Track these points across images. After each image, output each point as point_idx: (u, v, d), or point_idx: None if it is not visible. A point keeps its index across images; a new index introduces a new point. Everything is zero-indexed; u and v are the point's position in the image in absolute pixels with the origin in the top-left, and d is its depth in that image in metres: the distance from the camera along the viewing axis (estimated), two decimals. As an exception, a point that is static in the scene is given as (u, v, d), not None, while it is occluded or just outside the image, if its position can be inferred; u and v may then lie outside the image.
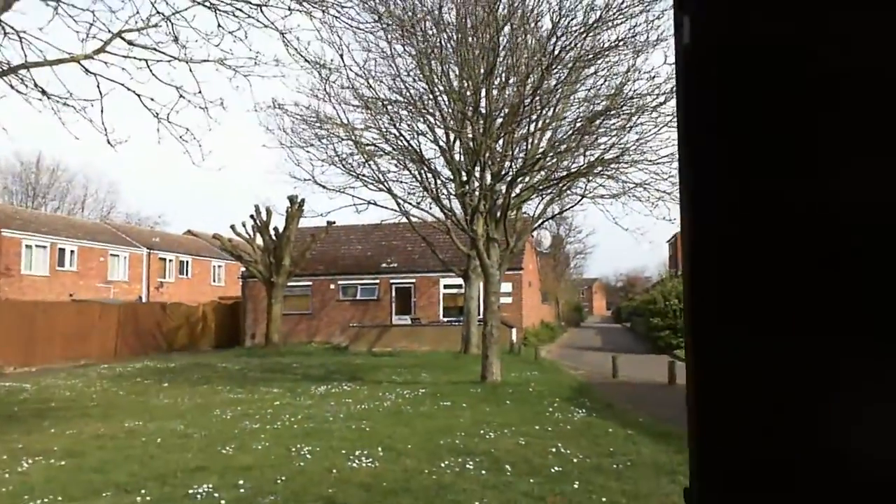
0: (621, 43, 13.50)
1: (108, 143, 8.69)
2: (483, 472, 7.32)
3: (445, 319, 29.26)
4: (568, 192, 16.66)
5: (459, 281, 25.37)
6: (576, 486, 6.72)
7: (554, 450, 8.42)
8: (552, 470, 7.38)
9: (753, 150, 0.58)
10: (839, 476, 0.57)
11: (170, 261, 42.10)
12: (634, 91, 13.72)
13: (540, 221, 18.64)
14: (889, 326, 0.55)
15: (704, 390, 0.61)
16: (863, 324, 0.55)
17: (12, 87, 8.22)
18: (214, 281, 45.91)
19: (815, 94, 0.57)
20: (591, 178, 15.58)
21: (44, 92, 8.34)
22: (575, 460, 7.88)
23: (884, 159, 0.54)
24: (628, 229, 19.85)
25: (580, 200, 16.96)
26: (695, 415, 0.61)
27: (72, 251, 35.13)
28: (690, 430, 0.63)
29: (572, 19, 13.58)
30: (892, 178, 0.54)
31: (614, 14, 13.16)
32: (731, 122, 0.59)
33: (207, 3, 8.10)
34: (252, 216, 28.49)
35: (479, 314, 22.16)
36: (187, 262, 43.65)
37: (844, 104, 0.56)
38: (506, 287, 27.02)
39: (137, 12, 8.57)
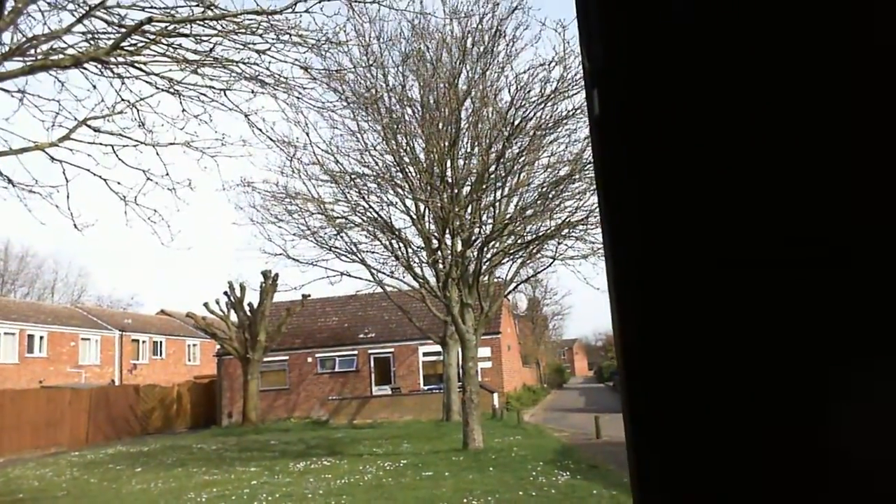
0: (578, 111, 14.13)
1: (75, 227, 8.73)
2: (465, 541, 7.22)
3: (426, 387, 28.94)
4: (538, 254, 16.97)
5: (438, 348, 25.27)
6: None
7: (536, 514, 8.34)
8: (534, 535, 7.31)
9: (664, 216, 0.68)
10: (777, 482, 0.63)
11: (143, 342, 41.32)
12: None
13: (513, 285, 18.84)
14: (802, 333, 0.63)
15: (636, 402, 0.68)
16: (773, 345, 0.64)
17: (-24, 176, 8.29)
18: (189, 360, 45.02)
19: (725, 160, 0.67)
20: (559, 240, 15.92)
21: (9, 180, 8.43)
22: (557, 524, 7.81)
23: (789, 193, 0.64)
24: (600, 289, 20.09)
25: (552, 263, 17.26)
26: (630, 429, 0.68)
27: (41, 337, 34.38)
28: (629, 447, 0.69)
29: (530, 91, 14.22)
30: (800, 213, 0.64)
31: (569, 85, 13.83)
32: (641, 189, 0.69)
33: (172, 90, 8.36)
34: (226, 293, 28.29)
35: (459, 380, 22.04)
36: (161, 342, 42.88)
37: (760, 166, 0.66)
38: (485, 352, 26.99)
39: (102, 100, 8.85)
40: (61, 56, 7.44)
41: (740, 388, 0.65)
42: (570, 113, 14.27)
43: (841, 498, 0.62)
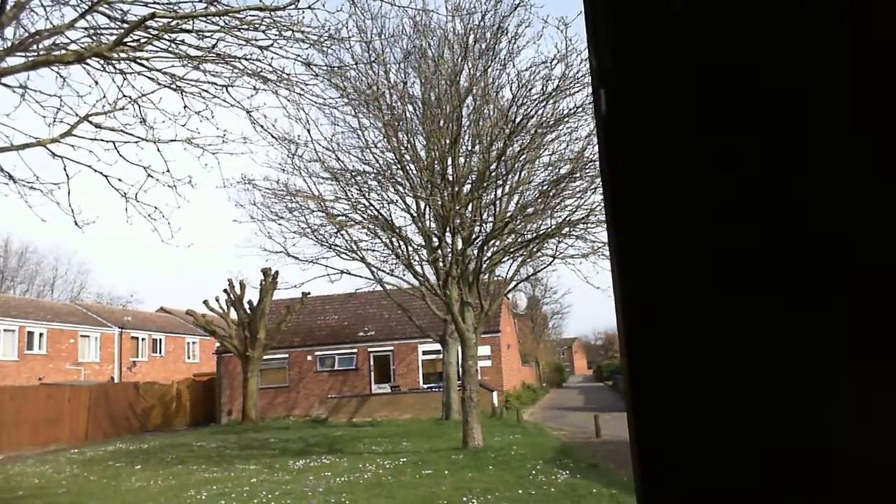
0: (580, 109, 14.12)
1: (76, 224, 8.71)
2: (465, 539, 7.22)
3: (425, 386, 28.94)
4: (539, 253, 16.96)
5: (437, 346, 25.28)
6: (558, 547, 6.66)
7: (536, 513, 8.34)
8: (535, 533, 7.31)
9: (670, 216, 0.68)
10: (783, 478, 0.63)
11: (142, 339, 41.32)
12: (595, 154, 14.26)
13: (513, 283, 18.84)
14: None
15: (640, 396, 0.68)
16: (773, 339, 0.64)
17: (-23, 172, 8.29)
18: (189, 358, 45.02)
19: (730, 159, 0.67)
20: (560, 238, 15.92)
21: (10, 176, 8.42)
22: (557, 522, 7.81)
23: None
24: (600, 287, 20.11)
25: (552, 261, 17.26)
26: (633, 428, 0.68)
27: (41, 334, 34.37)
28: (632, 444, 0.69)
29: (531, 88, 14.21)
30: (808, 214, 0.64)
31: (571, 83, 13.80)
32: (647, 188, 0.69)
33: (173, 86, 8.34)
34: (225, 290, 28.28)
35: (458, 379, 22.04)
36: (160, 339, 42.87)
37: (764, 166, 0.66)
38: (484, 350, 26.99)
39: (104, 96, 8.74)
40: (64, 52, 7.43)
41: (746, 386, 0.65)
42: (572, 111, 14.28)
43: (844, 497, 0.62)
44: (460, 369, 20.17)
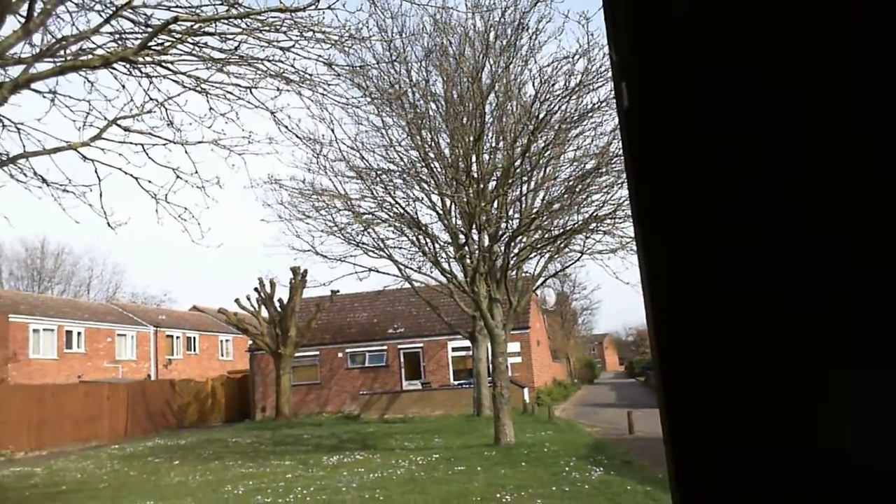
0: (604, 104, 13.93)
1: (109, 225, 8.89)
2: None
3: (456, 382, 28.97)
4: (566, 249, 16.82)
5: (467, 343, 25.27)
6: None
7: (568, 510, 8.28)
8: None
9: (695, 207, 0.67)
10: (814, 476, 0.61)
11: (177, 338, 42.07)
12: (620, 149, 14.06)
13: (541, 279, 18.73)
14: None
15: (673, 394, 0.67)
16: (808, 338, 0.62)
17: (12, 176, 8.50)
18: (222, 355, 45.73)
19: (752, 149, 0.66)
20: (587, 234, 15.76)
21: (43, 180, 8.60)
22: (589, 520, 7.74)
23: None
24: (629, 283, 19.84)
25: (579, 257, 17.12)
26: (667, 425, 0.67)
27: (79, 333, 35.20)
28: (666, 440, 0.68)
29: (554, 84, 14.06)
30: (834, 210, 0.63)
31: (594, 78, 13.62)
32: (672, 180, 0.68)
33: (198, 88, 8.44)
34: (256, 289, 28.64)
35: (488, 375, 22.00)
36: (194, 337, 43.61)
37: (785, 154, 0.65)
38: (514, 347, 26.91)
39: (132, 99, 8.93)
40: (90, 56, 7.56)
41: (783, 381, 0.63)
42: (596, 106, 14.09)
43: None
44: (490, 366, 20.14)
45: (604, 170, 14.39)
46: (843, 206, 0.63)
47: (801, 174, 0.64)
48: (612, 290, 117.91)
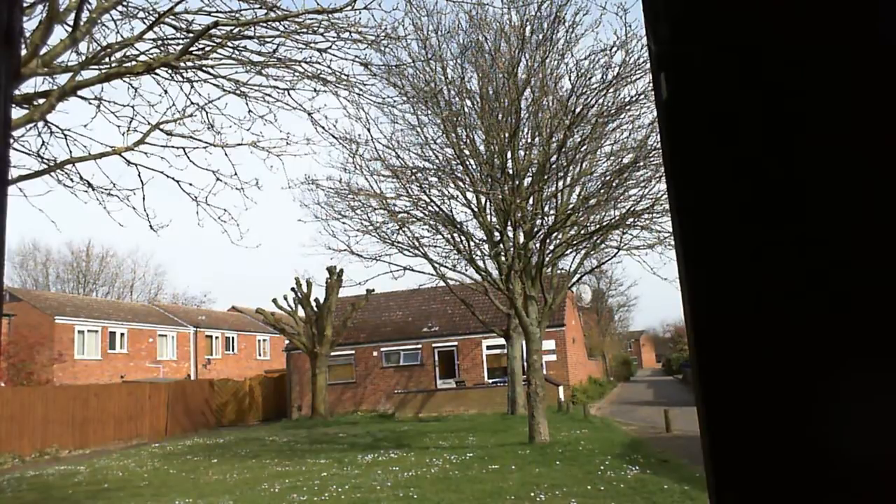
0: (642, 96, 13.77)
1: (151, 228, 9.11)
2: (534, 534, 7.17)
3: (490, 381, 28.94)
4: (602, 245, 16.68)
5: (501, 341, 25.22)
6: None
7: (606, 509, 8.21)
8: (605, 529, 7.19)
9: (735, 201, 0.65)
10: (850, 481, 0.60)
11: (216, 338, 42.85)
12: (659, 142, 13.87)
13: (577, 276, 18.60)
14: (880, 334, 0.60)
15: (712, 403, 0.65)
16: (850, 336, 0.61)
17: (59, 181, 8.74)
18: (260, 355, 46.43)
19: (792, 141, 0.64)
20: (624, 229, 15.60)
21: (89, 184, 8.83)
22: (628, 519, 7.67)
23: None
24: (668, 279, 19.55)
25: (616, 253, 16.94)
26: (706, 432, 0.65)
27: (122, 334, 36.10)
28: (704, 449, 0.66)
29: (591, 78, 13.95)
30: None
31: (632, 70, 13.47)
32: (712, 174, 0.67)
33: (238, 92, 8.59)
34: (293, 289, 28.99)
35: (523, 373, 21.93)
36: (233, 338, 44.36)
37: (825, 147, 0.63)
38: (549, 344, 26.77)
39: (173, 104, 9.07)
40: (134, 63, 7.75)
41: (823, 381, 0.61)
42: (634, 98, 13.95)
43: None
44: (525, 364, 20.06)
45: (641, 163, 14.23)
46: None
47: (849, 169, 0.63)
48: (649, 287, 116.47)
